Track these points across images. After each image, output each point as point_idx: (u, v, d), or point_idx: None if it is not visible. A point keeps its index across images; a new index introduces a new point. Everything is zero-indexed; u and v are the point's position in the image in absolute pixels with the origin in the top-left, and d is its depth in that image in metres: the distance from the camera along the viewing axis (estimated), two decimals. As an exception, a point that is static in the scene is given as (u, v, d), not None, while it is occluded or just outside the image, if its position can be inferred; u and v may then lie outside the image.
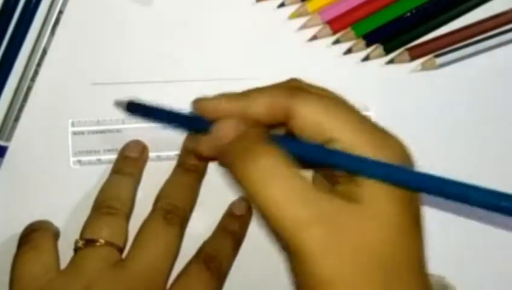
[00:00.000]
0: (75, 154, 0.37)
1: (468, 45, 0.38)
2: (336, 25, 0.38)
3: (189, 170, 0.36)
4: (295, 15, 0.38)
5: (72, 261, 0.33)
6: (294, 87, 0.30)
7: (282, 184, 0.26)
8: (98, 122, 0.37)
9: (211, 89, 0.37)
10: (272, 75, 0.37)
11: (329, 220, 0.26)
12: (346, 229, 0.26)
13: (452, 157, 0.38)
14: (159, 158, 0.37)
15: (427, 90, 0.38)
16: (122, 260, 0.33)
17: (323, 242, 0.25)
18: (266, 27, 0.38)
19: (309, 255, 0.25)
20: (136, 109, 0.33)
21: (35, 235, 0.34)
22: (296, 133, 0.29)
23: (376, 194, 0.26)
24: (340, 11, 0.38)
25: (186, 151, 0.36)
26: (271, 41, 0.38)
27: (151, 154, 0.37)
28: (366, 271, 0.26)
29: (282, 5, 0.38)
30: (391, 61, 0.38)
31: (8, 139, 0.37)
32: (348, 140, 0.27)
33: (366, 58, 0.38)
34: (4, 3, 0.36)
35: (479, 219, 0.38)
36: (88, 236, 0.33)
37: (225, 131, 0.29)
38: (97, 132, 0.37)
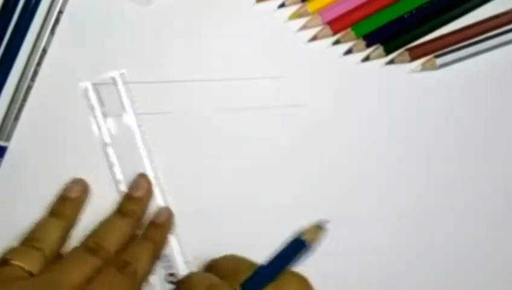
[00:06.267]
0: (74, 154, 0.37)
1: (468, 45, 0.38)
2: (336, 25, 0.38)
3: (126, 215, 0.36)
4: (295, 16, 0.38)
5: None
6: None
7: None
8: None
9: (210, 89, 0.38)
10: (272, 75, 0.38)
11: None
12: None
13: (452, 157, 0.38)
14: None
15: (427, 90, 0.38)
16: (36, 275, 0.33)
17: None
18: (266, 27, 0.38)
19: None
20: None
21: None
22: None
23: None
24: (340, 11, 0.38)
25: (126, 197, 0.37)
26: (271, 41, 0.38)
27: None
28: None
29: (282, 5, 0.38)
30: (391, 62, 0.38)
31: (8, 139, 0.37)
32: None
33: (366, 59, 0.38)
34: (4, 3, 0.36)
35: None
36: (6, 256, 0.33)
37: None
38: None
